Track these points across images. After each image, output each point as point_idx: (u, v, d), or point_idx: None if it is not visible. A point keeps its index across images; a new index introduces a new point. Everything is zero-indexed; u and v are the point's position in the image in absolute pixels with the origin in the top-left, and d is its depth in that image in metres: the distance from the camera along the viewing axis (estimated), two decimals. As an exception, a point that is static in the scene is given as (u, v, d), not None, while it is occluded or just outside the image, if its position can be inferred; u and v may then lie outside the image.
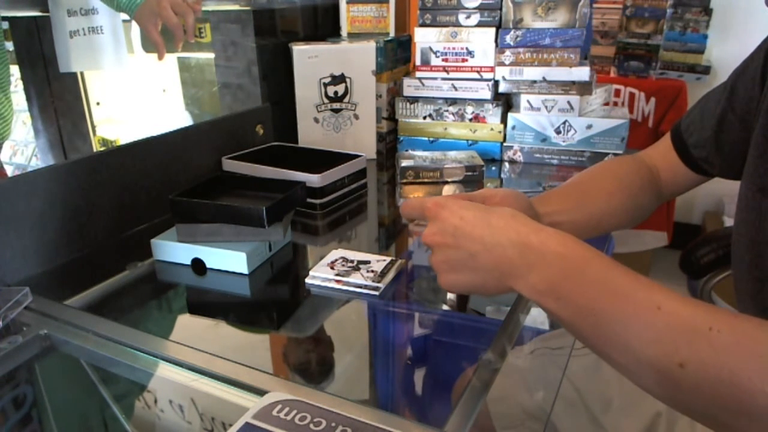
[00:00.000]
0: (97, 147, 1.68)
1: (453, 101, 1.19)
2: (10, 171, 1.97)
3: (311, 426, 0.43)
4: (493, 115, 1.18)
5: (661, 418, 0.70)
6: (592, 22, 1.23)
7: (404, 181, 1.07)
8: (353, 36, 1.36)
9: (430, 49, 1.18)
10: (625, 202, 0.72)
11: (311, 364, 0.60)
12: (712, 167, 0.70)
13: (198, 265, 0.76)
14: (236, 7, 1.19)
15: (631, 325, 0.40)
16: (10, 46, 1.57)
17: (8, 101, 0.98)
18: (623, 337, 0.41)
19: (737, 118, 0.65)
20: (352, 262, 0.73)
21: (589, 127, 1.12)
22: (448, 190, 1.05)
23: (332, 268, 0.71)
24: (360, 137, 1.20)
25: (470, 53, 1.16)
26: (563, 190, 0.72)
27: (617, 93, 2.09)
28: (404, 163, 1.07)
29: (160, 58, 0.99)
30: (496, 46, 1.14)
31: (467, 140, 1.21)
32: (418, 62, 1.20)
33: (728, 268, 0.90)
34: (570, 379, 0.75)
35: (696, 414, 0.40)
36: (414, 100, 1.21)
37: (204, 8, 1.13)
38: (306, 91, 1.16)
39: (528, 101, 1.15)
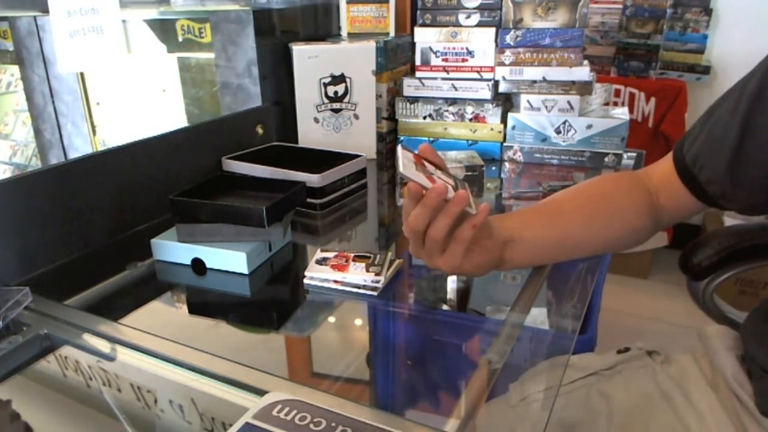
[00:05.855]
0: (97, 147, 1.68)
1: (453, 101, 1.19)
2: (10, 171, 1.97)
3: (311, 426, 0.43)
4: (493, 115, 1.18)
5: None
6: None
7: (404, 181, 1.07)
8: (353, 36, 1.36)
9: (430, 49, 1.18)
10: (612, 223, 0.67)
11: (311, 363, 0.60)
12: (731, 203, 0.62)
13: (198, 265, 0.76)
14: (236, 7, 1.18)
15: None
16: (10, 46, 1.57)
17: None
18: None
19: (757, 148, 0.57)
20: (347, 257, 0.72)
21: (589, 127, 1.12)
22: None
23: (327, 263, 0.71)
24: (360, 137, 1.20)
25: (470, 53, 1.16)
26: (534, 207, 0.68)
27: (617, 93, 2.09)
28: (404, 163, 1.07)
29: None
30: (496, 46, 1.14)
31: (467, 140, 1.21)
32: (418, 62, 1.20)
33: (729, 270, 0.89)
34: (559, 417, 0.71)
35: None
36: (414, 100, 1.21)
37: (204, 8, 1.13)
38: (306, 91, 1.16)
39: (528, 101, 1.15)
